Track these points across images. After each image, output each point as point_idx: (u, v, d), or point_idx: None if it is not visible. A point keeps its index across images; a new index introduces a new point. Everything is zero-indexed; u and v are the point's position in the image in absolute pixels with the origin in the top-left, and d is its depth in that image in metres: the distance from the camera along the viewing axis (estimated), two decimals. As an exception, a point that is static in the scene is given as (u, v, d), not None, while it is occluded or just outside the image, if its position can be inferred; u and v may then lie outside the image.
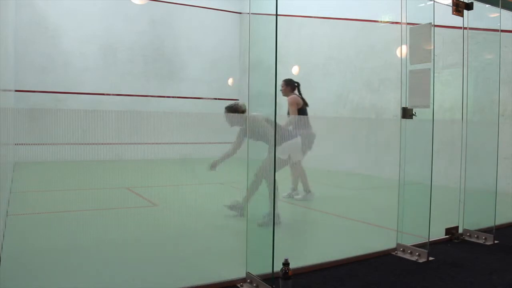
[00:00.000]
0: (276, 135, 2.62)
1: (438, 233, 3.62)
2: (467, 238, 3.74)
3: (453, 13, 3.59)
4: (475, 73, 3.94)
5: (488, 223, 3.75)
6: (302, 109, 5.26)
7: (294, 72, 9.95)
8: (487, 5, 3.81)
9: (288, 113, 5.22)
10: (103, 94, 9.95)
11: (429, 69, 3.16)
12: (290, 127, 4.82)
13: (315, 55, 9.59)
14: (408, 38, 3.29)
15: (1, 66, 3.39)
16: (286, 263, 2.41)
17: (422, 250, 3.17)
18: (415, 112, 3.26)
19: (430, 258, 3.14)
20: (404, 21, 3.28)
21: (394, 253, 3.29)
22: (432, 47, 3.15)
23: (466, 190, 3.79)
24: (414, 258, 3.16)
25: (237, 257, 2.86)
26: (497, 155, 3.81)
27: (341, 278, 2.75)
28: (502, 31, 3.83)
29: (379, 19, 7.77)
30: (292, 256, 2.48)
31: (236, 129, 4.17)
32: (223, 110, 4.18)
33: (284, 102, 5.24)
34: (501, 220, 4.02)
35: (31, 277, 2.70)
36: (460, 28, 3.75)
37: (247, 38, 2.69)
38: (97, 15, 10.13)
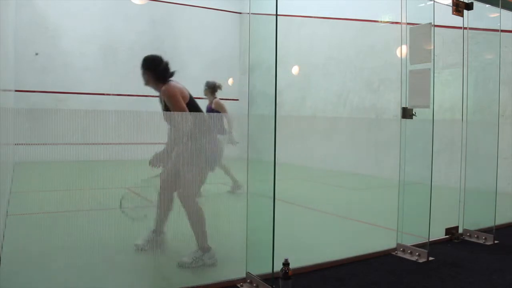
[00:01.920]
0: (276, 136, 2.61)
1: (438, 233, 3.62)
2: (467, 238, 3.74)
3: (453, 13, 3.59)
4: (475, 73, 3.94)
5: (488, 223, 3.75)
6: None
7: (294, 72, 9.95)
8: (487, 5, 3.81)
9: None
10: (103, 94, 9.94)
11: (429, 69, 3.16)
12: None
13: (315, 55, 9.59)
14: (408, 38, 3.29)
15: (1, 66, 3.39)
16: (286, 263, 2.41)
17: (422, 250, 3.17)
18: (415, 112, 3.26)
19: (430, 258, 3.13)
20: (404, 21, 3.28)
21: (394, 253, 3.29)
22: (432, 47, 3.15)
23: (466, 190, 3.79)
24: (414, 258, 3.16)
25: (237, 257, 2.85)
26: (497, 155, 3.81)
27: (341, 278, 2.75)
28: (502, 31, 3.83)
29: (379, 19, 7.76)
30: (292, 256, 2.48)
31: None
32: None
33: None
34: (501, 220, 4.01)
35: (31, 277, 2.70)
36: (460, 28, 3.75)
37: (247, 38, 2.69)
38: (97, 15, 10.12)
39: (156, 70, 3.15)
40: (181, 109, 3.00)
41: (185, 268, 2.91)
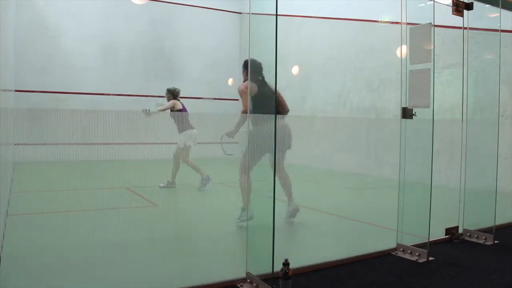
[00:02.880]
0: (276, 135, 2.60)
1: (438, 233, 3.62)
2: (467, 238, 3.74)
3: (453, 13, 3.59)
4: (475, 73, 3.94)
5: (488, 223, 3.75)
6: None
7: (294, 72, 9.95)
8: (487, 5, 3.80)
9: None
10: (103, 94, 9.95)
11: (429, 69, 3.16)
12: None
13: (315, 55, 9.59)
14: (408, 38, 3.29)
15: (1, 66, 3.39)
16: (286, 263, 2.41)
17: (422, 250, 3.17)
18: (415, 112, 3.26)
19: (430, 258, 3.13)
20: (404, 21, 3.28)
21: (394, 253, 3.29)
22: (432, 47, 3.15)
23: (466, 190, 3.79)
24: (414, 258, 3.16)
25: (237, 257, 2.86)
26: (497, 155, 3.81)
27: (341, 278, 2.75)
28: (502, 31, 3.83)
29: (379, 19, 7.76)
30: (292, 256, 2.48)
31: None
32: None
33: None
34: (501, 220, 4.01)
35: (31, 277, 2.70)
36: (460, 28, 3.75)
37: (247, 38, 2.69)
38: (97, 15, 10.13)
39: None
40: (244, 103, 3.75)
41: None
